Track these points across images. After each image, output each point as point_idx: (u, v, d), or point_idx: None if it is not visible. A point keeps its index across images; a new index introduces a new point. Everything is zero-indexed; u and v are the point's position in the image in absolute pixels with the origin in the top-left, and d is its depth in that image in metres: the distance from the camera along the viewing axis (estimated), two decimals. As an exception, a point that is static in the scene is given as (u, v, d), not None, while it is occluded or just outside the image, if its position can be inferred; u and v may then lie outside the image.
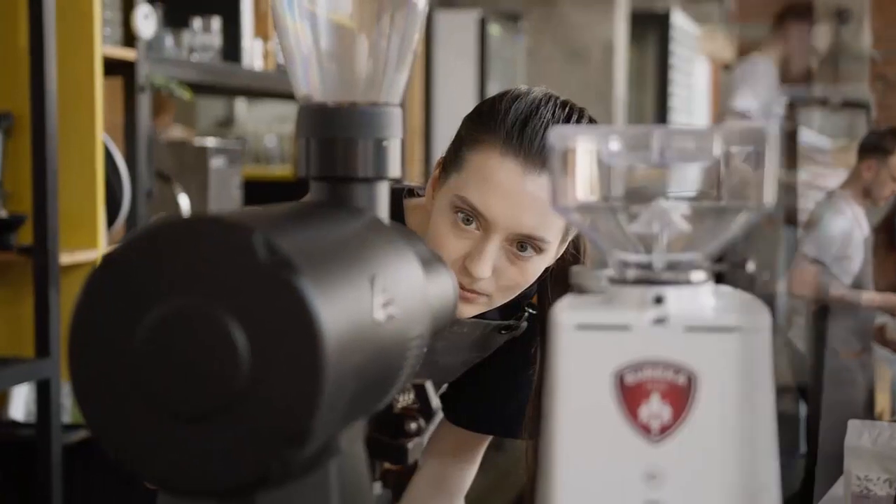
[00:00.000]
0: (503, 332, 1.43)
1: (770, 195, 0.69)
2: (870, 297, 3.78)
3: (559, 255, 1.34)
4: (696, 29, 8.13)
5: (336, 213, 0.78)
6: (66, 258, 2.44)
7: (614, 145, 0.71)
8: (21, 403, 2.70)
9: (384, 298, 0.70)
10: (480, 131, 1.27)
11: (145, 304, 0.62)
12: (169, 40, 2.96)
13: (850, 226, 3.75)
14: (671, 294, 0.70)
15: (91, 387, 0.64)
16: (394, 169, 0.83)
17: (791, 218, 5.04)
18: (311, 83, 0.83)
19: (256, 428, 0.61)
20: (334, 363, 0.62)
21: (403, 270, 0.76)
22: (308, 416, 0.61)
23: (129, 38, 2.67)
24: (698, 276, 0.71)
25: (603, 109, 5.35)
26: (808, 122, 4.86)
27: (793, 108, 4.60)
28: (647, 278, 0.71)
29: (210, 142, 3.09)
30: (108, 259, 0.63)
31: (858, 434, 1.81)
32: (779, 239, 5.06)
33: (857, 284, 3.79)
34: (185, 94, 2.73)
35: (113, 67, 2.65)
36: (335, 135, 0.81)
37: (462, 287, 1.26)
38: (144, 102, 2.68)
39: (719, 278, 0.74)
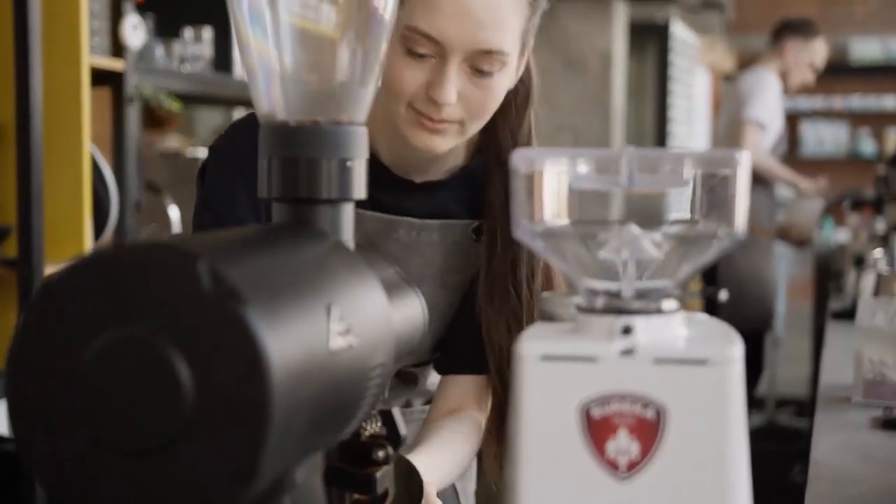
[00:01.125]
0: (474, 235, 1.40)
1: (742, 223, 0.66)
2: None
3: (520, 74, 1.31)
4: (695, 39, 8.11)
5: (296, 236, 0.75)
6: (51, 270, 2.41)
7: (582, 168, 0.68)
8: (4, 417, 2.67)
9: (341, 327, 0.67)
10: None
11: (86, 334, 0.59)
12: (159, 50, 2.93)
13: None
14: (640, 324, 0.67)
15: (29, 418, 0.61)
16: (359, 190, 0.81)
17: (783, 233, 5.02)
18: (273, 101, 0.81)
19: (201, 465, 0.58)
20: (282, 397, 0.59)
21: (364, 297, 0.73)
22: (254, 453, 0.58)
23: (118, 49, 2.65)
24: (669, 304, 0.69)
25: (601, 120, 5.32)
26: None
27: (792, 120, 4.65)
28: (616, 307, 0.68)
29: (204, 153, 3.06)
30: (48, 286, 0.60)
31: (871, 313, 1.65)
32: (773, 251, 5.03)
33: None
34: (174, 106, 2.71)
35: (101, 78, 2.62)
36: (297, 154, 0.79)
37: (431, 118, 1.24)
38: (133, 113, 2.65)
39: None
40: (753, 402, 5.26)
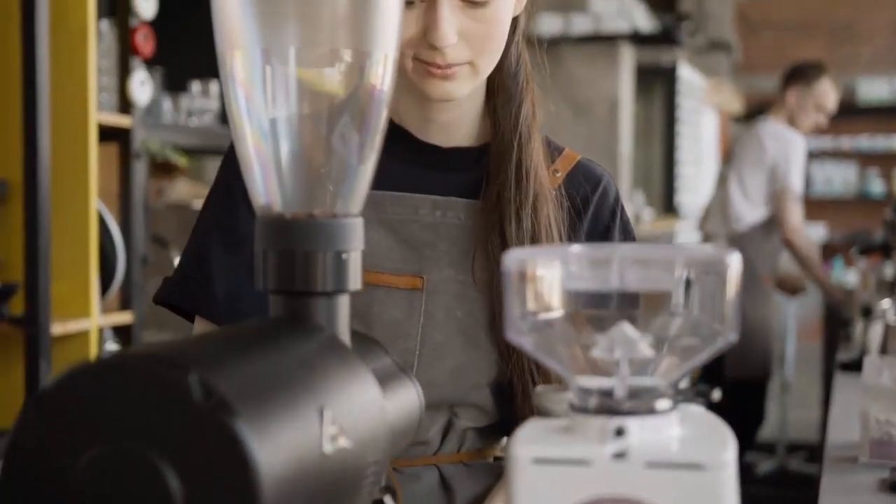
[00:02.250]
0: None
1: (733, 326, 0.66)
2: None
3: (524, 2, 1.27)
4: (703, 81, 8.14)
5: (290, 333, 0.75)
6: (58, 328, 2.41)
7: (573, 268, 0.68)
8: None
9: (334, 429, 0.68)
10: None
11: (78, 446, 0.60)
12: (167, 104, 2.95)
13: None
14: (633, 425, 0.67)
15: (22, 529, 0.61)
16: (354, 282, 0.81)
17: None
18: (269, 193, 0.81)
19: (192, 576, 0.58)
20: (274, 508, 0.59)
21: (358, 395, 0.73)
22: (245, 565, 0.58)
23: (126, 105, 2.67)
24: (662, 404, 0.69)
25: (609, 165, 5.33)
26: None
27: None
28: (609, 407, 0.68)
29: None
30: (40, 397, 0.61)
31: (877, 371, 1.61)
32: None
33: None
34: (181, 161, 2.72)
35: (109, 133, 2.64)
36: (293, 247, 0.79)
37: (438, 66, 1.18)
38: (140, 169, 2.67)
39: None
40: (758, 447, 5.23)
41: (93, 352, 2.52)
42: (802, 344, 6.34)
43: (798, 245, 4.50)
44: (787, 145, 4.51)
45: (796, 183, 4.48)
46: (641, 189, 6.84)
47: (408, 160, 1.29)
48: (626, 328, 0.69)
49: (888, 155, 9.76)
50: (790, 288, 5.10)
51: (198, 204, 3.09)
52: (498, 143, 1.29)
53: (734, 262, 0.66)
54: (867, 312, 3.27)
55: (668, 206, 7.28)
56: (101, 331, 2.60)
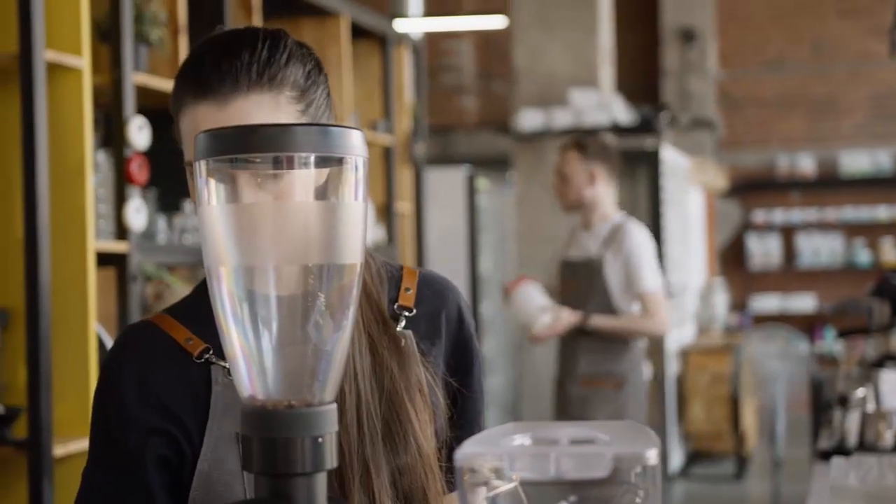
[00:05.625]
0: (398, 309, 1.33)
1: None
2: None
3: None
4: (686, 161, 8.29)
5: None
6: (59, 450, 2.50)
7: (518, 463, 0.79)
8: None
9: None
10: (178, 97, 1.25)
11: None
12: (162, 223, 3.08)
13: None
14: None
15: None
16: (331, 461, 0.92)
17: None
18: (253, 385, 0.92)
19: None
20: None
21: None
22: None
23: (122, 231, 2.79)
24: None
25: (594, 252, 5.43)
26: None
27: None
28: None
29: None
30: None
31: (845, 472, 1.67)
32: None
33: None
34: (175, 282, 2.84)
35: (106, 259, 2.76)
36: (275, 435, 0.90)
37: None
38: (136, 291, 2.78)
39: None
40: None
41: (94, 470, 2.60)
42: (792, 413, 6.41)
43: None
44: None
45: None
46: (630, 271, 6.95)
47: None
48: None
49: (873, 225, 9.92)
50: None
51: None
52: None
53: (652, 456, 0.77)
54: (844, 401, 3.35)
55: (656, 285, 7.38)
56: (101, 448, 2.69)
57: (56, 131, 2.59)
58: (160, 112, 3.18)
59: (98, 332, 2.65)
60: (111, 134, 2.86)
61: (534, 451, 0.79)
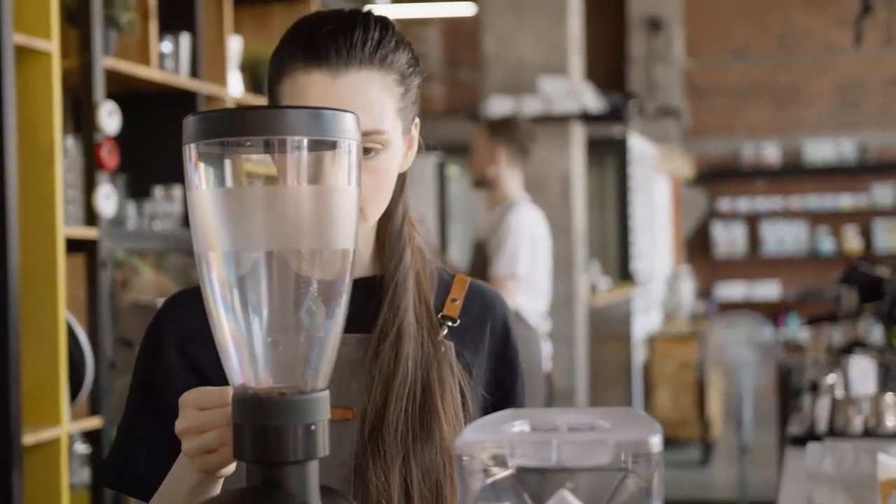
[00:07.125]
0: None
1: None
2: None
3: (411, 147, 1.31)
4: (653, 149, 8.32)
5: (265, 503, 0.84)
6: (29, 438, 2.47)
7: (518, 451, 0.78)
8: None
9: None
10: (284, 62, 1.24)
11: None
12: (132, 209, 3.04)
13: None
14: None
15: None
16: (323, 448, 0.90)
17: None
18: (245, 374, 0.91)
19: None
20: None
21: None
22: None
23: (92, 217, 2.75)
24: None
25: (564, 240, 5.45)
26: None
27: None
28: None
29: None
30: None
31: (819, 457, 1.65)
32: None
33: None
34: (145, 269, 2.81)
35: (76, 245, 2.72)
36: (267, 423, 0.88)
37: None
38: (106, 277, 2.75)
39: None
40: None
41: (63, 459, 2.58)
42: (760, 399, 6.44)
43: None
44: None
45: None
46: (597, 259, 6.98)
47: None
48: (567, 495, 0.78)
49: (836, 213, 10.01)
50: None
51: (160, 303, 3.16)
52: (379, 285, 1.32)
53: (655, 444, 0.76)
54: (814, 387, 3.38)
55: (623, 273, 7.42)
56: (70, 437, 2.66)
57: (25, 116, 2.55)
58: (130, 97, 3.17)
59: (67, 318, 2.62)
60: (80, 119, 2.82)
61: (535, 439, 0.78)
